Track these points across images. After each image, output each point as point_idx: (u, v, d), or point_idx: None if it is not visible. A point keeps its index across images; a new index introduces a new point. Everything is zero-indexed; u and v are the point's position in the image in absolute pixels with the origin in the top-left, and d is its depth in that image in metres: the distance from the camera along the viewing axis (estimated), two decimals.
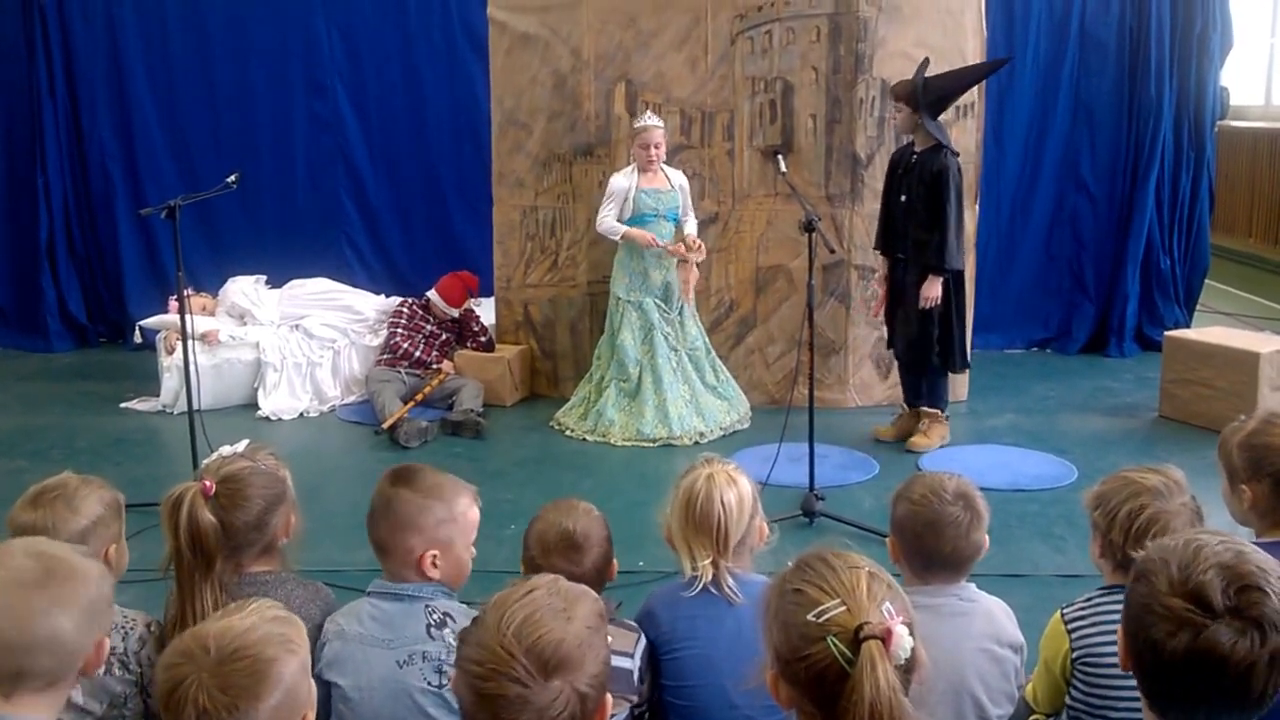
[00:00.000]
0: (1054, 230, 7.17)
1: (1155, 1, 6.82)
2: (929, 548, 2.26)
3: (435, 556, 2.19)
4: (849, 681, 1.34)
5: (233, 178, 4.89)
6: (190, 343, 4.68)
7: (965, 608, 2.27)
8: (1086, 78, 6.99)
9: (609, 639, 2.13)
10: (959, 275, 5.17)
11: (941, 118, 5.21)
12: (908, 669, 1.38)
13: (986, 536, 2.32)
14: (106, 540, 2.20)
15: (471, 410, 5.67)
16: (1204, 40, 6.94)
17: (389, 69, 7.26)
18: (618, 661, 2.18)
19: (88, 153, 7.36)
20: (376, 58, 7.25)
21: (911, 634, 1.39)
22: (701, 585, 2.23)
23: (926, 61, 5.17)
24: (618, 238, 5.50)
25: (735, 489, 2.26)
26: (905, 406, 5.52)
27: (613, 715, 2.10)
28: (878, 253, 5.46)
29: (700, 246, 5.52)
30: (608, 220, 5.49)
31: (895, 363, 5.62)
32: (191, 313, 4.90)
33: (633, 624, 2.30)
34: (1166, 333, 6.13)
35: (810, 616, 1.39)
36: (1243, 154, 10.02)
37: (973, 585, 2.33)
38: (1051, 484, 4.84)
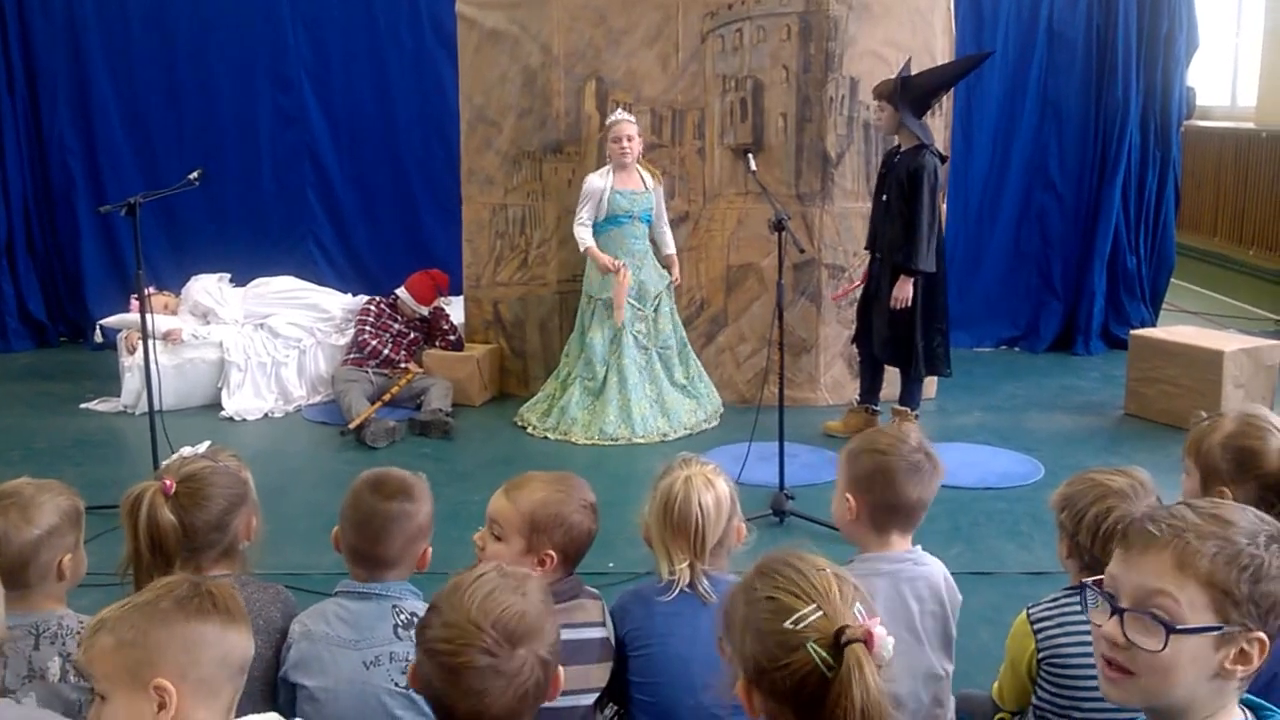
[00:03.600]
0: (1021, 229, 7.21)
1: (1123, 2, 6.88)
2: (896, 496, 2.29)
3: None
4: (832, 687, 1.31)
5: (195, 174, 4.80)
6: (152, 342, 4.60)
7: (920, 571, 2.30)
8: (1054, 77, 7.02)
9: (584, 609, 2.19)
10: (930, 278, 5.16)
11: None
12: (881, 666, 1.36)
13: None
14: (61, 550, 2.14)
15: (440, 410, 5.62)
16: (1170, 41, 7.01)
17: (356, 64, 7.17)
18: (590, 632, 2.20)
19: (48, 149, 7.21)
20: (343, 53, 7.15)
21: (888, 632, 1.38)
22: (678, 589, 2.21)
23: (909, 60, 5.18)
24: (583, 250, 5.51)
25: (713, 491, 2.24)
26: (856, 402, 5.55)
27: (589, 690, 2.12)
28: (868, 251, 5.47)
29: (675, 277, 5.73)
30: (581, 229, 5.50)
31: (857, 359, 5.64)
32: (153, 311, 4.80)
33: (595, 591, 2.29)
34: (1132, 331, 6.19)
35: (788, 624, 1.35)
36: (1208, 153, 10.13)
37: (919, 547, 2.36)
38: (1019, 482, 4.86)
